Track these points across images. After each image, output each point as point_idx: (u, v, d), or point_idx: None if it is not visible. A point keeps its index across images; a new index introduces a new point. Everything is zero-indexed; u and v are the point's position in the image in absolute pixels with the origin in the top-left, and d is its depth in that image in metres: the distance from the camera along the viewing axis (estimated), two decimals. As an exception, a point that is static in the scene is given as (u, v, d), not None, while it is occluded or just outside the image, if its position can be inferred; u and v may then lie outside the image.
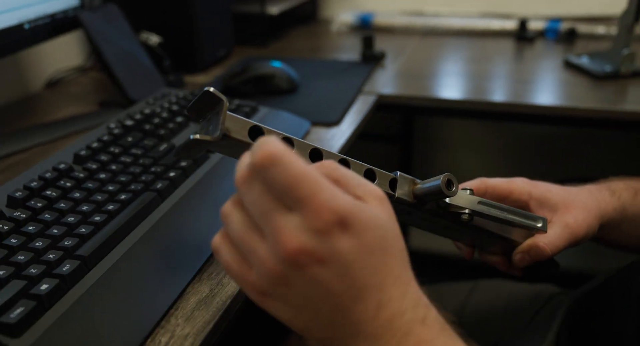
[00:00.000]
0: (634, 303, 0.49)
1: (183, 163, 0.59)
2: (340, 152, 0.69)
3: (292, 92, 0.87)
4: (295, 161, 0.31)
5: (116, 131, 0.64)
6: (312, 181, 0.31)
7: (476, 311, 0.73)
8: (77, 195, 0.52)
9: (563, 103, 0.84)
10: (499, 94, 0.90)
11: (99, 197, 0.52)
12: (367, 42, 1.03)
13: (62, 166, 0.55)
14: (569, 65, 1.00)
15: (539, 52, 1.12)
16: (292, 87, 0.87)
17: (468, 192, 0.51)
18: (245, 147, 0.39)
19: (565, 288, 0.72)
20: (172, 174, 0.57)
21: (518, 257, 0.54)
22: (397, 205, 0.46)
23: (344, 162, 0.44)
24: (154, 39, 0.90)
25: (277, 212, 0.32)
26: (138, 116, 0.68)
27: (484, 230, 0.53)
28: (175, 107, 0.72)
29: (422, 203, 0.47)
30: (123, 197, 0.52)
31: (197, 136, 0.40)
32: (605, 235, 0.58)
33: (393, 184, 0.46)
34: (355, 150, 0.74)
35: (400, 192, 0.46)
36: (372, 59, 1.02)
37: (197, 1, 0.94)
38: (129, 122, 0.66)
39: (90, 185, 0.54)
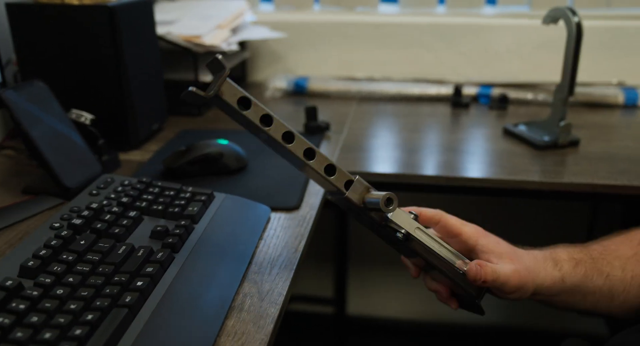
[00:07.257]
0: None
1: (149, 269, 0.56)
2: (307, 238, 0.68)
3: (241, 171, 0.86)
4: None
5: (64, 232, 0.60)
6: None
7: None
8: (35, 319, 0.47)
9: (507, 174, 0.90)
10: (431, 168, 0.94)
11: (61, 320, 0.48)
12: (311, 113, 1.04)
13: (9, 283, 0.50)
14: (508, 134, 1.07)
15: (476, 118, 1.19)
16: (241, 166, 0.86)
17: (412, 216, 0.59)
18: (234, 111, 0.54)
19: None
20: (139, 283, 0.54)
21: (458, 263, 0.60)
22: (348, 203, 0.57)
23: (309, 151, 0.55)
24: (86, 116, 0.86)
25: None
26: (85, 212, 0.65)
27: (421, 255, 0.59)
28: (124, 199, 0.69)
29: (367, 210, 0.57)
30: (90, 317, 0.48)
31: (194, 89, 0.51)
32: (546, 300, 0.63)
33: (348, 185, 0.56)
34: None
35: (351, 193, 0.56)
36: (316, 130, 1.04)
37: (129, 73, 0.92)
38: (76, 221, 0.63)
39: (47, 305, 0.49)
